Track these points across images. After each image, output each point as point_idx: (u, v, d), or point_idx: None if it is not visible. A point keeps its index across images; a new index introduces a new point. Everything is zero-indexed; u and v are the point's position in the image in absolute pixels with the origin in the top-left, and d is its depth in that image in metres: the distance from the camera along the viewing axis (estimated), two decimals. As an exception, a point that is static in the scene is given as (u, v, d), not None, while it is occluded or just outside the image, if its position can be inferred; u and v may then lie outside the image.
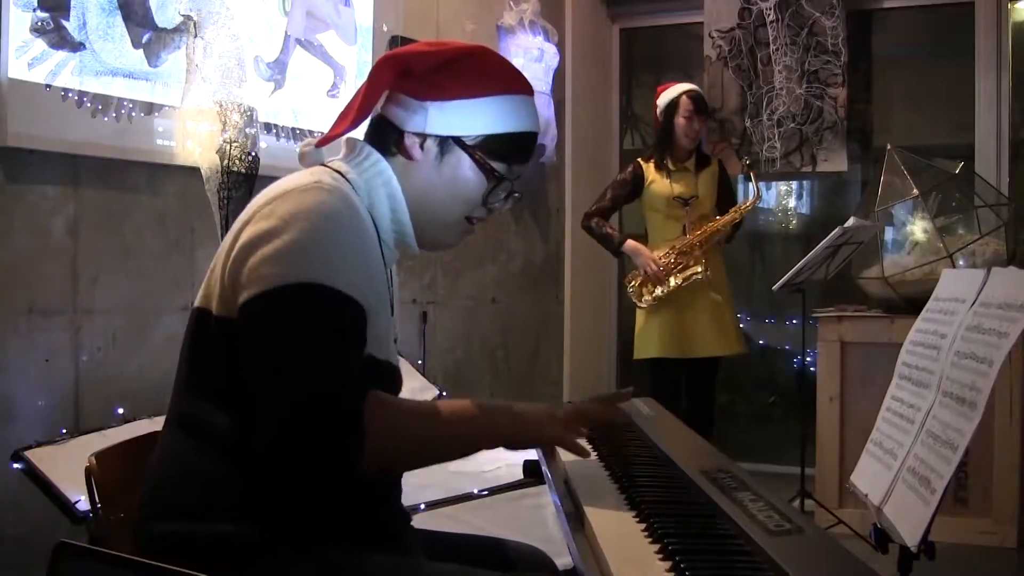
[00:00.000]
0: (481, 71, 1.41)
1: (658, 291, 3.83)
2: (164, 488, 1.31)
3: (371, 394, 1.24)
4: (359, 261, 1.27)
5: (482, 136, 1.40)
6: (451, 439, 1.35)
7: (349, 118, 1.39)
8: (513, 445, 1.42)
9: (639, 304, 3.88)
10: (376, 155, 1.40)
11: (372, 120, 1.45)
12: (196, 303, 1.35)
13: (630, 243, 3.91)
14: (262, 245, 1.23)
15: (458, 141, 1.40)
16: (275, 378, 1.18)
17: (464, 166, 1.41)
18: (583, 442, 1.45)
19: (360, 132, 1.45)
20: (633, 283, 3.91)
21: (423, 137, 1.39)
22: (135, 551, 1.24)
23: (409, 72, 1.40)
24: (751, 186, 3.94)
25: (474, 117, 1.40)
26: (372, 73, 1.40)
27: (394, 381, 1.44)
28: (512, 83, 1.43)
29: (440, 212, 1.43)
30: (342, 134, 1.40)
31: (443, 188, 1.41)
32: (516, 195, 1.47)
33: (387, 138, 1.41)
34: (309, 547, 1.27)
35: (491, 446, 1.40)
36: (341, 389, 1.19)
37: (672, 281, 3.82)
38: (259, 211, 1.28)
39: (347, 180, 1.36)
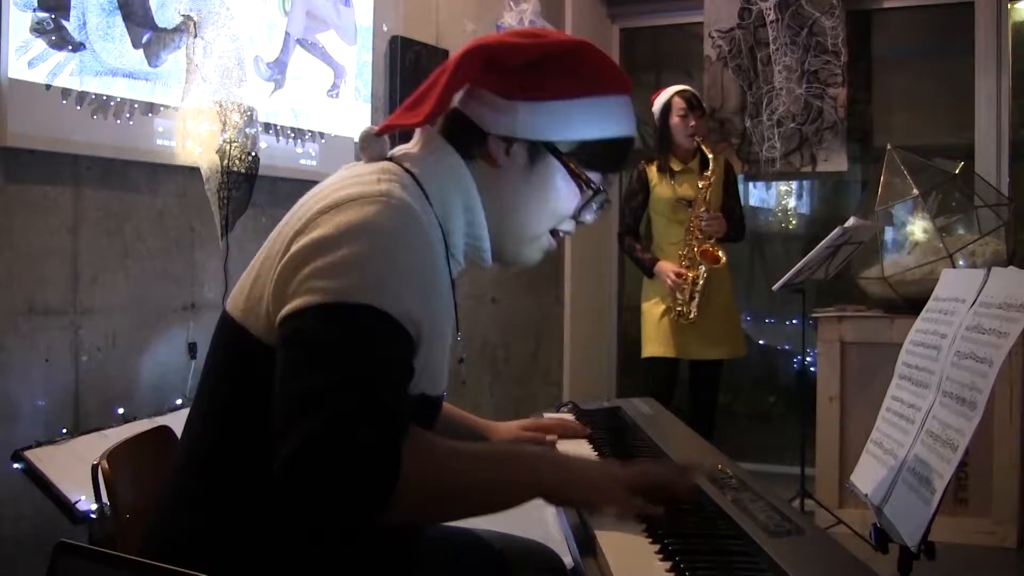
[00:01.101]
0: (581, 68, 1.25)
1: (687, 294, 3.80)
2: (170, 515, 1.23)
3: (411, 437, 1.07)
4: (419, 287, 1.12)
5: (578, 142, 1.25)
6: (491, 491, 1.17)
7: (424, 110, 1.22)
8: (563, 504, 1.26)
9: (691, 319, 3.82)
10: (455, 157, 1.24)
11: (449, 117, 1.28)
12: (232, 311, 1.20)
13: (657, 266, 3.89)
14: (316, 257, 1.09)
15: (551, 147, 1.25)
16: (306, 398, 1.01)
17: (556, 175, 1.26)
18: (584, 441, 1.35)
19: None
20: (675, 310, 3.85)
21: (510, 141, 1.24)
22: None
23: (498, 65, 1.23)
24: (708, 155, 3.86)
25: (571, 121, 1.24)
26: (456, 63, 1.22)
27: (437, 412, 1.31)
28: (612, 82, 1.27)
29: (525, 226, 1.28)
30: (411, 126, 1.26)
31: (531, 199, 1.27)
32: (608, 203, 1.33)
33: (467, 139, 1.25)
34: None
35: (531, 499, 1.22)
36: (382, 421, 1.02)
37: (691, 276, 3.80)
38: (316, 220, 1.13)
39: (418, 182, 1.21)
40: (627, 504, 1.20)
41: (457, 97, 1.27)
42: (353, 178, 1.18)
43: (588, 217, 1.32)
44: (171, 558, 1.14)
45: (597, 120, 1.26)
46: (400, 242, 1.11)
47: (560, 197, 1.28)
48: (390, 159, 1.26)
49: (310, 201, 1.19)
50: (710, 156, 3.84)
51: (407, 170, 1.22)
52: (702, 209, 3.81)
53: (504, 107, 1.24)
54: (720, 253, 3.83)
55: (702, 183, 3.83)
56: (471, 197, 1.25)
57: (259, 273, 1.19)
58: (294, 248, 1.12)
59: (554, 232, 1.32)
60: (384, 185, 1.15)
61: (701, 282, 3.80)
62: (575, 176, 1.26)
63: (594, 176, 1.28)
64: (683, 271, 3.80)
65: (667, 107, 3.92)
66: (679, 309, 3.82)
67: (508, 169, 1.25)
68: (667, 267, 3.84)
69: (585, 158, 1.27)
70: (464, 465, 1.16)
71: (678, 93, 3.93)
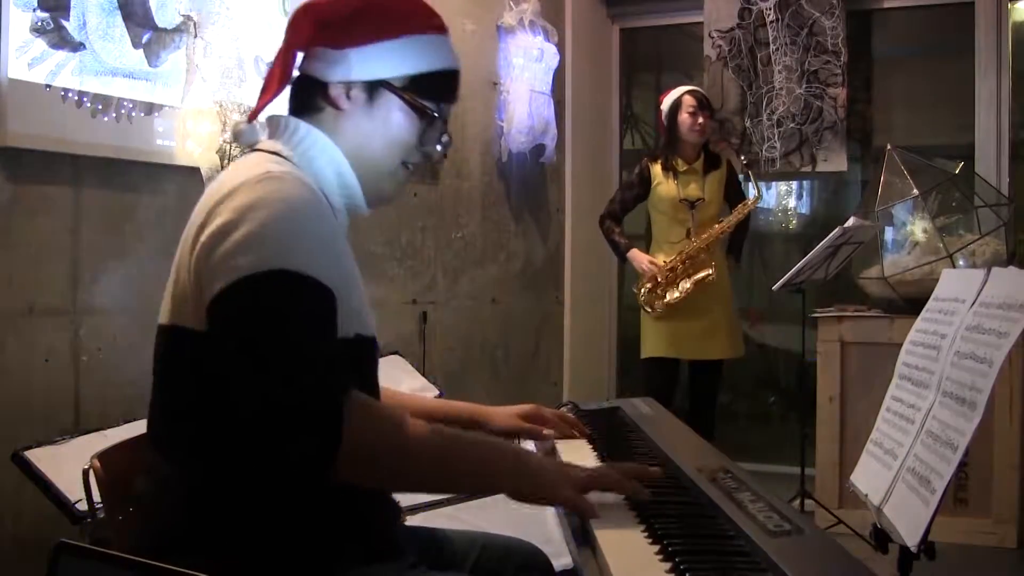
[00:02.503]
0: (396, 11, 1.39)
1: (668, 297, 3.83)
2: (155, 516, 1.30)
3: (353, 397, 1.19)
4: (322, 243, 1.23)
5: (408, 76, 1.38)
6: (441, 467, 1.27)
7: (274, 83, 1.37)
8: (515, 495, 1.31)
9: (650, 311, 3.86)
10: (304, 125, 1.36)
11: (293, 81, 1.41)
12: (163, 320, 1.30)
13: (630, 252, 3.95)
14: (221, 242, 1.19)
15: (385, 84, 1.37)
16: (249, 373, 1.14)
17: (395, 108, 1.38)
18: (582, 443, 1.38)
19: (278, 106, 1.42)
20: (643, 291, 3.89)
21: (348, 85, 1.37)
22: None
23: (324, 23, 1.37)
24: (751, 186, 3.96)
25: (397, 58, 1.37)
26: (288, 32, 1.38)
27: (375, 354, 1.41)
28: (428, 22, 1.41)
29: (377, 161, 1.40)
30: (272, 99, 1.38)
31: (377, 135, 1.38)
32: (447, 138, 1.46)
33: (312, 94, 1.38)
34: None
35: (485, 488, 1.32)
36: (316, 385, 1.14)
37: (683, 285, 3.82)
38: (212, 212, 1.24)
39: (289, 160, 1.33)
40: (575, 503, 1.27)
41: (298, 62, 1.40)
42: (236, 171, 1.29)
43: (430, 148, 1.44)
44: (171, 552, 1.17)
45: (420, 55, 1.39)
46: (294, 207, 1.22)
47: (403, 128, 1.40)
48: (259, 150, 1.37)
49: (204, 201, 1.30)
50: (749, 181, 3.89)
51: (276, 153, 1.34)
52: (722, 221, 3.85)
53: (337, 57, 1.37)
54: (709, 269, 3.83)
55: (737, 212, 3.89)
56: (331, 152, 1.36)
57: (176, 277, 1.29)
58: (201, 240, 1.23)
59: (406, 165, 1.43)
60: (264, 167, 1.27)
61: (690, 287, 3.81)
62: (413, 106, 1.39)
63: (429, 103, 1.40)
64: (658, 263, 3.82)
65: (676, 105, 3.93)
66: (644, 294, 3.84)
67: (352, 111, 1.38)
68: (642, 256, 3.87)
69: (417, 90, 1.39)
70: (421, 439, 1.25)
71: (688, 92, 3.94)
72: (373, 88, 1.37)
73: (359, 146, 1.38)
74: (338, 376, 1.18)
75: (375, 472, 1.23)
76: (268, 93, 1.38)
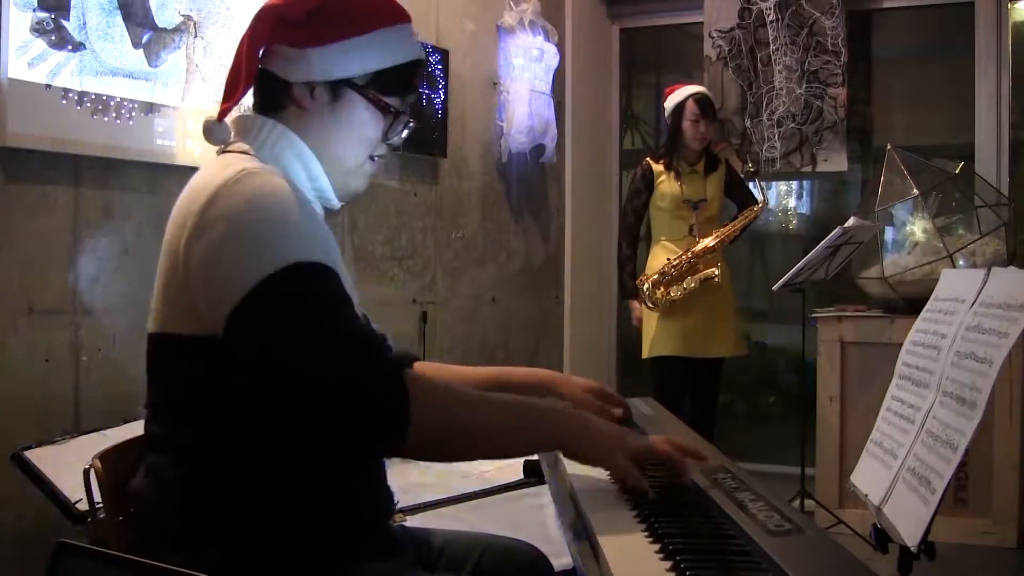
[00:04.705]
0: (357, 8, 1.37)
1: (672, 293, 3.84)
2: (154, 514, 1.30)
3: (412, 372, 1.21)
4: (312, 229, 1.24)
5: (371, 73, 1.37)
6: (505, 430, 1.28)
7: (241, 82, 1.34)
8: (572, 456, 1.34)
9: (651, 306, 3.88)
10: (270, 123, 1.36)
11: (256, 78, 1.39)
12: (154, 329, 1.29)
13: (631, 301, 4.02)
14: (223, 252, 1.19)
15: (348, 83, 1.36)
16: (303, 367, 1.15)
17: (359, 107, 1.38)
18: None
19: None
20: (647, 285, 3.90)
21: (312, 85, 1.35)
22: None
23: (285, 22, 1.34)
24: (757, 193, 3.97)
25: (359, 56, 1.36)
26: (249, 30, 1.35)
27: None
28: (389, 15, 1.39)
29: (343, 157, 1.40)
30: (241, 98, 1.36)
31: (342, 133, 1.38)
32: (412, 124, 1.46)
33: (275, 92, 1.37)
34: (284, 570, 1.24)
35: (544, 448, 1.34)
36: (376, 364, 1.16)
37: (688, 283, 3.83)
38: (198, 223, 1.22)
39: (256, 159, 1.32)
40: (625, 471, 1.28)
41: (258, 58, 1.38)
42: (210, 175, 1.28)
43: (396, 139, 1.45)
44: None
45: (382, 51, 1.37)
46: (277, 200, 1.22)
47: (368, 126, 1.40)
48: (227, 151, 1.36)
49: (183, 207, 1.28)
50: (755, 187, 3.91)
51: (244, 153, 1.34)
52: (728, 225, 3.88)
53: (298, 56, 1.35)
54: (715, 268, 3.84)
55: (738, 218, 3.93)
56: (299, 148, 1.36)
57: (167, 284, 1.27)
58: (198, 253, 1.21)
59: (371, 157, 1.44)
60: (237, 165, 1.26)
61: (695, 285, 3.83)
62: (375, 103, 1.38)
63: (393, 100, 1.40)
64: (675, 264, 3.84)
65: (679, 109, 3.92)
66: (648, 288, 3.85)
67: (316, 110, 1.36)
68: (636, 309, 3.96)
69: (381, 86, 1.38)
70: (479, 406, 1.27)
71: (693, 96, 3.92)
72: (336, 87, 1.36)
73: (325, 144, 1.37)
74: (394, 355, 1.21)
75: (441, 443, 1.24)
76: (236, 92, 1.35)
